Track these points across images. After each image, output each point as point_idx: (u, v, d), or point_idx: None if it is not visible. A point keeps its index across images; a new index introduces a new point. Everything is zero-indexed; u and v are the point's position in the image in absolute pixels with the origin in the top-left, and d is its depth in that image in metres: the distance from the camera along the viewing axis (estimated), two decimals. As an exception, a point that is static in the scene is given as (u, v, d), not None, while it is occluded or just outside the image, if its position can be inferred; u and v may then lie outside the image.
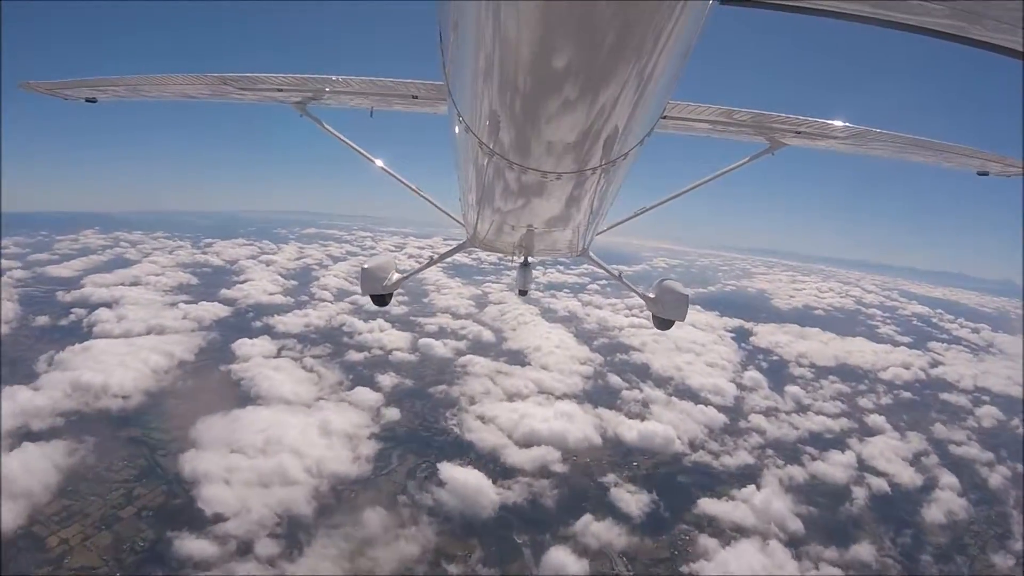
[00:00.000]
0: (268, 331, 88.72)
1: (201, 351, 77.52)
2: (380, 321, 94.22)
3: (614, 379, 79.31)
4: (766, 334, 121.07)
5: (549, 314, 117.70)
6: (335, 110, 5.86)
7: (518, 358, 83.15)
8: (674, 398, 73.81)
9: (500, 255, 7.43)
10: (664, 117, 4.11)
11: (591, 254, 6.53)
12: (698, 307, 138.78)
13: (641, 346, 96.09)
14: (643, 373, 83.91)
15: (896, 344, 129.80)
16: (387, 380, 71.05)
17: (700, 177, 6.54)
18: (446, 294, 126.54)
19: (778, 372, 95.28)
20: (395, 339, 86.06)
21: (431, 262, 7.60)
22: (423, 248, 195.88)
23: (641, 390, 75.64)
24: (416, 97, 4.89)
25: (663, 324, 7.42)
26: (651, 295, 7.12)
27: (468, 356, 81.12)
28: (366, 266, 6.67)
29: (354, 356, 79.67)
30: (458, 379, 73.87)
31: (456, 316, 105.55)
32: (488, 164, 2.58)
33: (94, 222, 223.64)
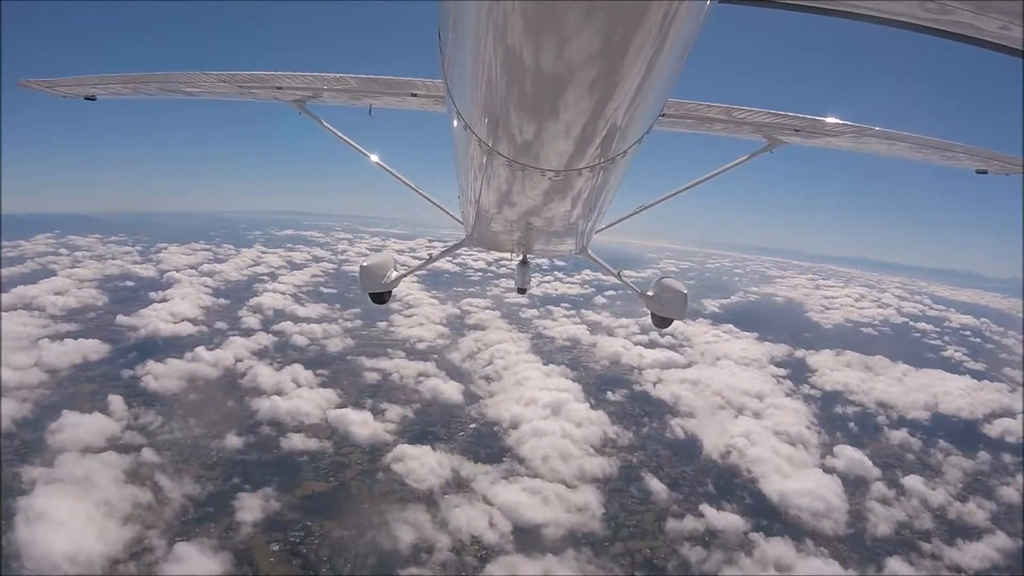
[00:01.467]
0: (133, 387, 57.94)
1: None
2: (296, 368, 63.26)
3: (654, 484, 47.73)
4: (825, 367, 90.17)
5: (544, 343, 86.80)
6: (334, 108, 5.64)
7: (491, 445, 51.78)
8: (758, 537, 41.91)
9: (499, 253, 6.75)
10: (663, 115, 3.91)
11: (590, 253, 6.00)
12: (731, 326, 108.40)
13: (675, 402, 64.90)
14: (690, 460, 52.66)
15: (977, 376, 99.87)
16: (252, 505, 39.54)
17: (699, 175, 6.23)
18: (411, 315, 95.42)
19: (873, 438, 64.54)
20: (303, 407, 54.59)
21: (430, 260, 7.02)
22: (402, 252, 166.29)
23: (700, 512, 44.09)
24: (415, 95, 4.72)
25: (662, 322, 7.00)
26: (650, 293, 6.53)
27: (400, 447, 48.49)
28: (364, 264, 6.40)
29: (231, 442, 48.42)
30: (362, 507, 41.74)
31: (414, 354, 74.17)
32: (487, 162, 2.51)
33: (60, 225, 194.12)
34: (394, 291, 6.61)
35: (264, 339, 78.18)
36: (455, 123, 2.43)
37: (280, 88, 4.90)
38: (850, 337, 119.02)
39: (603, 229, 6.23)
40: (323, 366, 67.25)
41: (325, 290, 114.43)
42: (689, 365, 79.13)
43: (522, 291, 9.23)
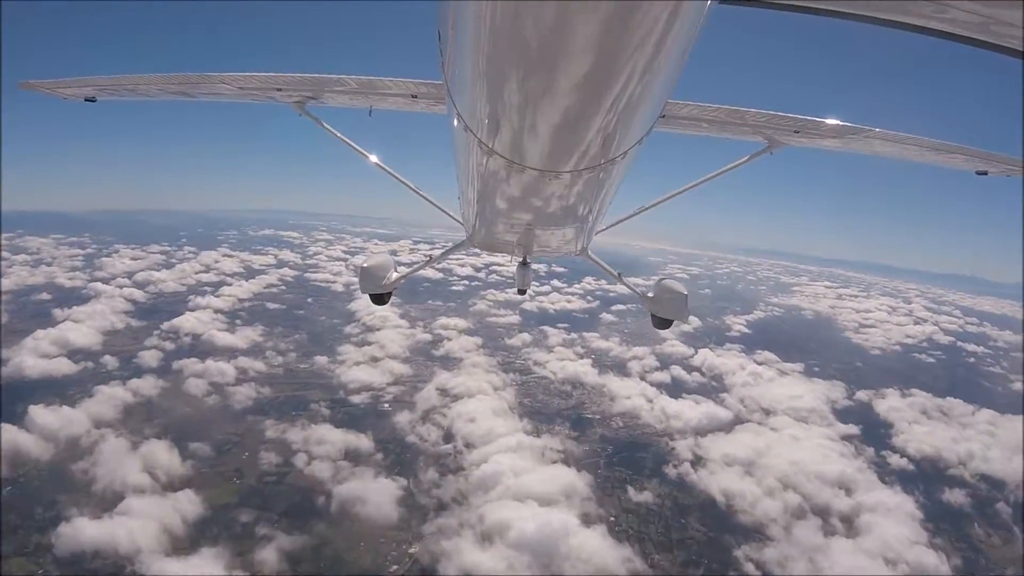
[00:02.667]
0: None
1: None
2: (156, 448, 40.70)
3: None
4: (901, 419, 67.98)
5: (535, 388, 63.89)
6: (334, 109, 5.47)
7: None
8: None
9: (499, 254, 6.52)
10: (663, 116, 3.73)
11: (590, 253, 5.81)
12: (767, 354, 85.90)
13: (730, 503, 42.25)
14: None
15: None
16: None
17: (699, 176, 6.06)
18: (369, 343, 72.78)
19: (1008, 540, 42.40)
20: (123, 536, 31.69)
21: (430, 260, 6.78)
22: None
23: None
24: (415, 96, 4.63)
25: (662, 324, 6.65)
26: (650, 295, 6.34)
27: None
28: (364, 265, 6.15)
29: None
30: None
31: (346, 415, 51.07)
32: (487, 163, 2.47)
33: (26, 223, 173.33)
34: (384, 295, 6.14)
35: (148, 385, 55.56)
36: (455, 124, 2.39)
37: (280, 89, 4.74)
38: (904, 367, 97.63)
39: (603, 230, 5.91)
40: (205, 437, 44.70)
41: (271, 306, 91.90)
42: (733, 427, 56.28)
43: (522, 292, 8.04)
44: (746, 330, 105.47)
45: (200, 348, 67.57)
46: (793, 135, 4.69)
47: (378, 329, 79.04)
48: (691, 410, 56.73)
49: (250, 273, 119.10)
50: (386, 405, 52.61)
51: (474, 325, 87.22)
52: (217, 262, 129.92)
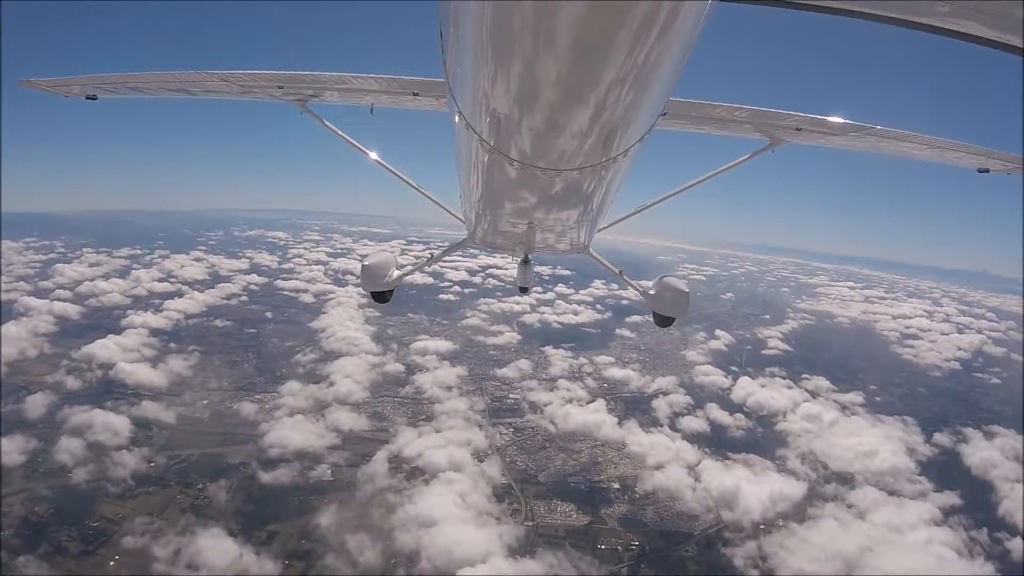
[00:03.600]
0: None
1: None
2: None
3: None
4: (998, 476, 52.06)
5: (533, 445, 48.08)
6: (336, 107, 5.47)
7: None
8: None
9: (500, 252, 6.42)
10: (665, 114, 3.68)
11: (592, 251, 5.77)
12: (827, 384, 70.36)
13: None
14: None
15: None
16: None
17: (701, 174, 6.07)
18: (326, 374, 57.21)
19: None
20: None
21: (432, 259, 6.91)
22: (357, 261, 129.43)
23: None
24: (416, 94, 4.59)
25: (663, 321, 6.44)
26: (652, 292, 6.14)
27: None
28: (366, 263, 6.07)
29: None
30: None
31: (265, 500, 35.30)
32: (489, 161, 2.47)
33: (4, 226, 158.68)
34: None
35: (15, 448, 40.23)
36: (457, 122, 2.37)
37: (282, 87, 4.69)
38: (969, 391, 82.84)
39: (605, 228, 5.97)
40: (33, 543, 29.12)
41: (220, 324, 76.44)
42: (805, 509, 40.13)
43: (524, 290, 7.97)
44: (784, 345, 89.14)
45: (103, 388, 52.20)
46: (795, 132, 4.61)
47: (339, 356, 63.45)
48: (748, 485, 40.57)
49: (213, 281, 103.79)
50: (311, 497, 36.01)
51: (461, 347, 71.40)
52: (183, 267, 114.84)
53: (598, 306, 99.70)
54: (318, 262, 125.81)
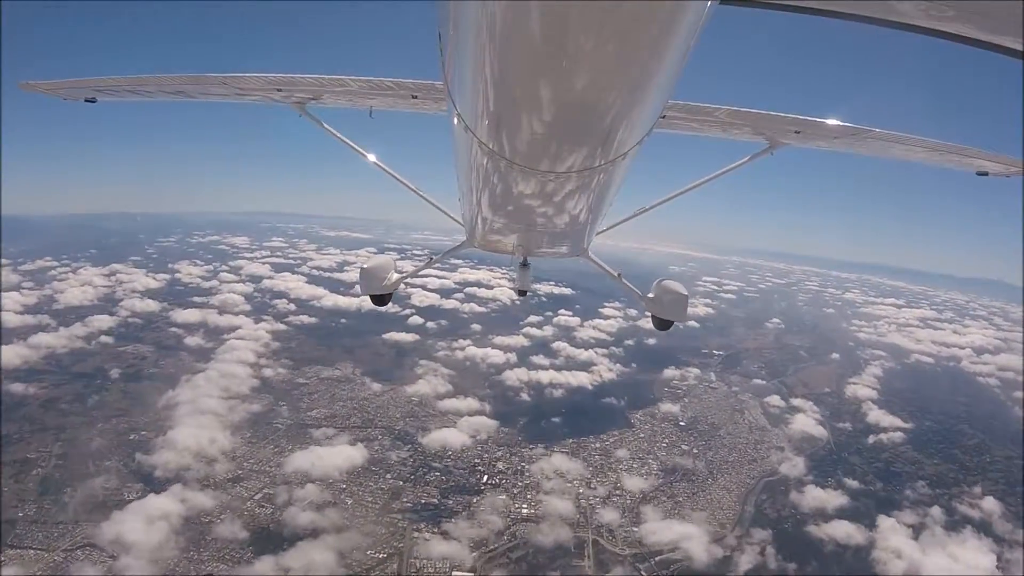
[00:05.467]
0: None
1: None
2: None
3: None
4: None
5: None
6: (334, 110, 5.35)
7: None
8: None
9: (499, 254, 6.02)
10: (663, 117, 3.76)
11: (591, 255, 5.60)
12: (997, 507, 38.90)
13: None
14: None
15: None
16: None
17: (700, 177, 5.89)
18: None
19: None
20: None
21: (430, 262, 6.58)
22: (322, 274, 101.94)
23: None
24: (415, 97, 4.52)
25: (662, 324, 6.20)
26: (650, 295, 5.98)
27: None
28: (365, 266, 5.96)
29: None
30: None
31: None
32: (487, 164, 2.44)
33: None
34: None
35: None
36: (456, 125, 2.32)
37: (280, 90, 4.59)
38: None
39: (604, 231, 5.85)
40: None
41: (28, 390, 47.40)
42: None
43: (522, 293, 7.77)
44: (894, 420, 58.69)
45: None
46: (794, 135, 4.59)
47: (167, 483, 34.19)
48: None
49: (94, 309, 74.66)
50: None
51: (386, 447, 42.34)
52: (82, 286, 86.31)
53: (616, 348, 69.61)
54: (252, 278, 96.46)
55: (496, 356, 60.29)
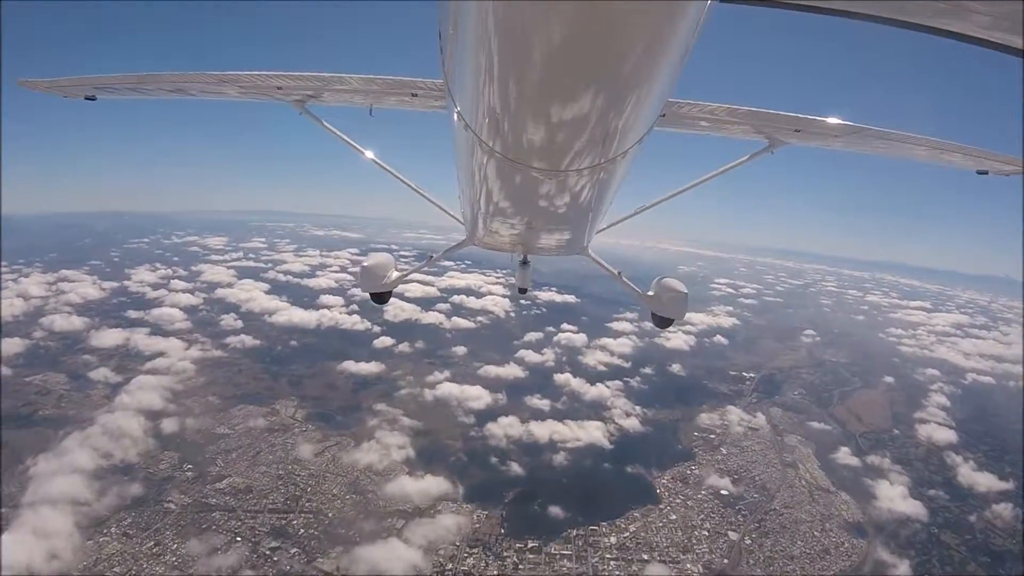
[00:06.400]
0: None
1: None
2: None
3: None
4: None
5: None
6: (334, 108, 5.17)
7: None
8: None
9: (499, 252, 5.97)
10: (663, 115, 3.78)
11: (591, 253, 5.58)
12: None
13: None
14: None
15: None
16: None
17: (700, 176, 5.80)
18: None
19: None
20: None
21: (430, 260, 6.30)
22: (290, 280, 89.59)
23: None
24: (415, 95, 4.29)
25: (662, 323, 6.07)
26: (650, 293, 5.89)
27: None
28: (365, 264, 5.82)
29: None
30: None
31: None
32: (487, 162, 2.41)
33: None
34: None
35: None
36: (456, 123, 2.32)
37: (280, 88, 4.45)
38: None
39: (604, 229, 5.80)
40: None
41: None
42: None
43: (523, 291, 7.72)
44: (995, 481, 44.90)
45: None
46: (794, 134, 4.51)
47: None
48: None
49: (10, 328, 61.47)
50: None
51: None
52: (10, 298, 73.32)
53: (634, 380, 55.19)
54: (207, 287, 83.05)
55: (479, 398, 46.24)
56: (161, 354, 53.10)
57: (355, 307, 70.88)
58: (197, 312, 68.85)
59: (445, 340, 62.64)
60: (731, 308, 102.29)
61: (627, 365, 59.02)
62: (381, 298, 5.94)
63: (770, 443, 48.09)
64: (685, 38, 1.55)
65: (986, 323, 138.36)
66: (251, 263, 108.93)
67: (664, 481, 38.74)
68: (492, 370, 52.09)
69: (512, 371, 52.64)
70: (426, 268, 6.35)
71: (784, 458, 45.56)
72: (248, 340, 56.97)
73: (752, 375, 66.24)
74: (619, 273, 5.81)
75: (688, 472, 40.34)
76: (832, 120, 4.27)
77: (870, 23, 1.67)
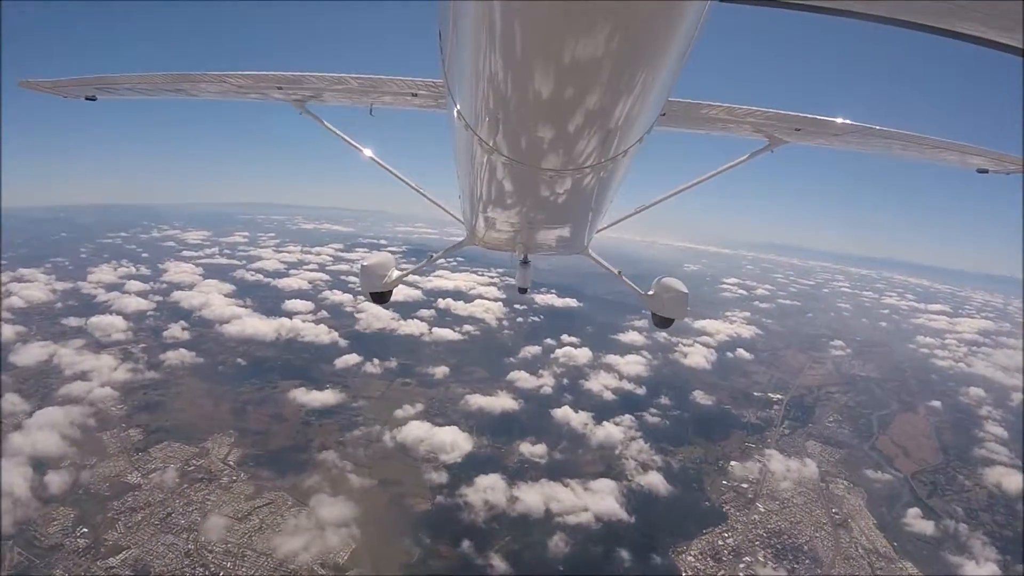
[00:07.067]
0: None
1: None
2: None
3: None
4: None
5: None
6: (334, 108, 5.08)
7: None
8: None
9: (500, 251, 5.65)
10: (664, 115, 3.74)
11: (591, 252, 5.54)
12: None
13: None
14: None
15: None
16: None
17: (699, 175, 5.69)
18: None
19: None
20: None
21: (430, 260, 6.18)
22: (260, 280, 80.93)
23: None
24: (416, 95, 4.28)
25: (662, 322, 6.02)
26: (650, 293, 5.87)
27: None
28: (365, 264, 5.74)
29: None
30: None
31: None
32: (487, 161, 2.41)
33: None
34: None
35: None
36: (456, 122, 2.30)
37: (280, 88, 4.41)
38: None
39: (604, 229, 5.66)
40: None
41: None
42: None
43: (523, 291, 7.53)
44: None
45: None
46: (794, 133, 4.45)
47: None
48: None
49: None
50: None
51: None
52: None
53: (650, 415, 45.63)
54: (164, 289, 74.04)
55: (456, 446, 36.51)
56: (85, 373, 44.32)
57: (324, 313, 61.97)
58: (144, 319, 59.95)
59: (425, 356, 53.62)
60: (748, 314, 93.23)
61: (640, 392, 49.67)
62: (381, 298, 5.80)
63: (814, 492, 39.38)
64: (685, 38, 1.55)
65: (1011, 330, 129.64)
66: (224, 260, 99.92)
67: (690, 559, 29.90)
68: (477, 401, 42.93)
69: (501, 402, 43.41)
70: (426, 268, 6.19)
71: (833, 515, 36.84)
72: (189, 358, 47.98)
73: (780, 397, 57.47)
74: (619, 272, 5.75)
75: (720, 543, 31.56)
76: (832, 119, 4.17)
77: (870, 23, 1.65)
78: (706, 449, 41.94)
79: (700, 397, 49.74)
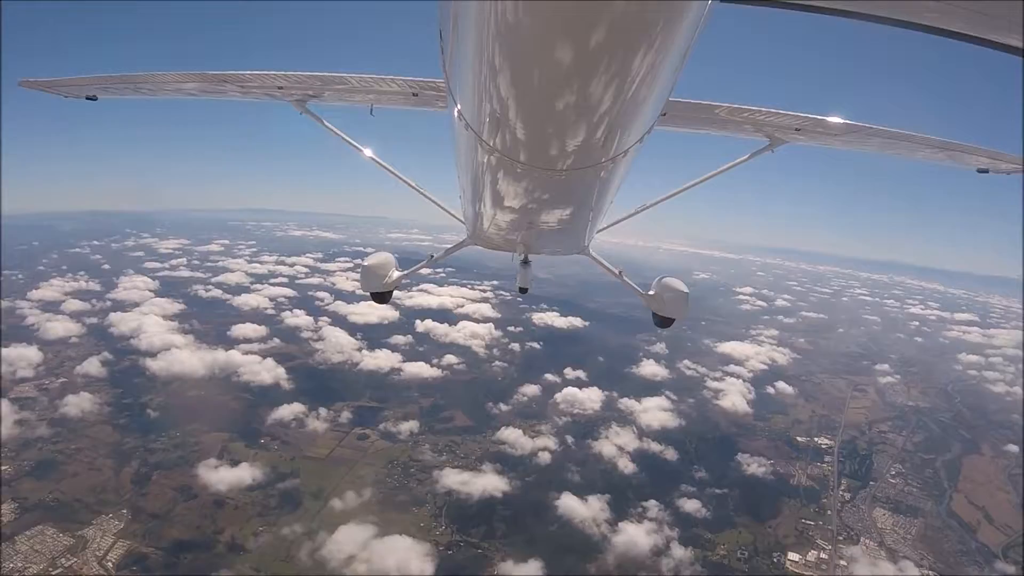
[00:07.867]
0: None
1: None
2: None
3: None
4: None
5: None
6: (334, 108, 5.05)
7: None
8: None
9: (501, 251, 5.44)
10: (664, 114, 3.47)
11: (592, 252, 5.45)
12: None
13: None
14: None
15: None
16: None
17: (700, 175, 5.69)
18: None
19: None
20: None
21: (431, 260, 6.12)
22: (218, 297, 71.56)
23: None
24: (416, 95, 4.27)
25: (663, 322, 6.04)
26: (651, 293, 5.89)
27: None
28: (365, 263, 5.65)
29: None
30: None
31: None
32: (488, 161, 2.39)
33: None
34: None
35: None
36: (457, 122, 2.29)
37: (281, 88, 4.37)
38: None
39: (604, 228, 5.63)
40: None
41: None
42: None
43: (524, 291, 6.85)
44: None
45: None
46: (794, 133, 4.41)
47: None
48: None
49: None
50: None
51: None
52: None
53: (690, 501, 33.86)
54: (107, 309, 64.28)
55: (406, 567, 25.76)
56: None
57: (276, 341, 51.80)
58: (66, 347, 50.11)
59: (392, 399, 43.30)
60: (775, 331, 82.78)
61: (672, 460, 38.49)
62: (382, 298, 5.78)
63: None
64: (686, 38, 1.55)
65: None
66: (187, 272, 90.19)
67: None
68: (451, 479, 32.47)
69: (484, 482, 32.66)
70: (427, 267, 6.20)
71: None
72: (89, 403, 37.87)
73: (828, 444, 47.33)
74: (620, 272, 5.74)
75: None
76: (832, 119, 4.18)
77: (870, 23, 1.64)
78: (754, 533, 31.75)
79: (745, 461, 39.00)
